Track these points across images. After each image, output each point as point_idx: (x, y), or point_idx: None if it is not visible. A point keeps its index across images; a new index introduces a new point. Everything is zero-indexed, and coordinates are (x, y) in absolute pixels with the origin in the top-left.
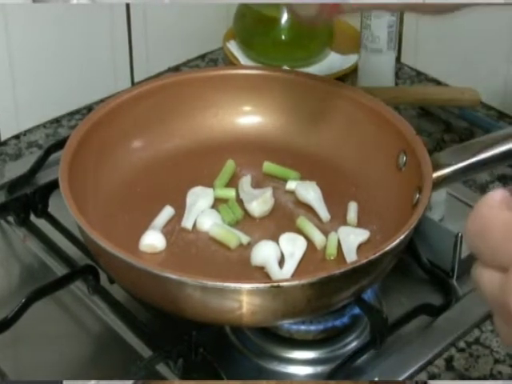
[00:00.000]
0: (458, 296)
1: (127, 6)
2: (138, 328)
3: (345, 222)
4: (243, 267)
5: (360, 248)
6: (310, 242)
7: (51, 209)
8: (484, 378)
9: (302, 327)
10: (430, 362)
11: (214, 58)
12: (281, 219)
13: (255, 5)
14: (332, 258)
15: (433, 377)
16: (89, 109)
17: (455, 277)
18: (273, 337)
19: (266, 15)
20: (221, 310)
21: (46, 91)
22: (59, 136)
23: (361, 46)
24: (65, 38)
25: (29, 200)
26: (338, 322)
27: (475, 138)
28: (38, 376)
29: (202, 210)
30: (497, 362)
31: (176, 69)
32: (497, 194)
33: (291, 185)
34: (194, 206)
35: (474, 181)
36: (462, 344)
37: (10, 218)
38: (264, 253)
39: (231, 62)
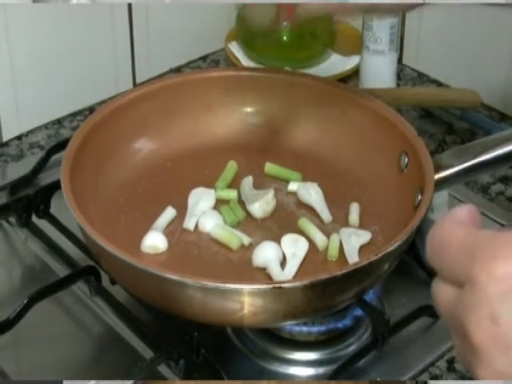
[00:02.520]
0: None
1: (129, 6)
2: (140, 329)
3: (346, 224)
4: (245, 268)
5: (362, 249)
6: (312, 243)
7: (53, 210)
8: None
9: (304, 328)
10: (431, 364)
11: (216, 59)
12: (282, 220)
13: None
14: (334, 259)
15: (435, 378)
16: (90, 110)
17: None
18: (274, 338)
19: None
20: (222, 311)
21: (47, 92)
22: (61, 137)
23: (362, 47)
24: (66, 38)
25: (30, 201)
26: (339, 324)
27: (477, 140)
28: (39, 377)
29: (203, 211)
30: None
31: (178, 70)
32: (463, 210)
33: (293, 186)
34: (196, 207)
35: (476, 182)
36: None
37: (12, 219)
38: (266, 254)
39: (233, 63)
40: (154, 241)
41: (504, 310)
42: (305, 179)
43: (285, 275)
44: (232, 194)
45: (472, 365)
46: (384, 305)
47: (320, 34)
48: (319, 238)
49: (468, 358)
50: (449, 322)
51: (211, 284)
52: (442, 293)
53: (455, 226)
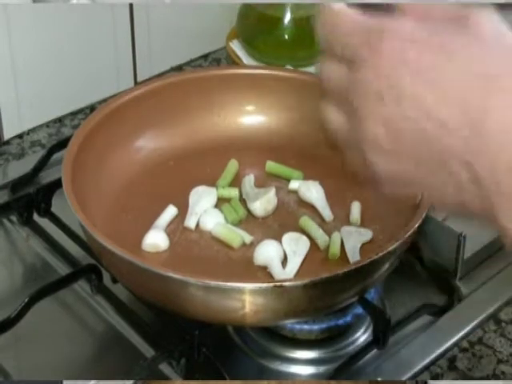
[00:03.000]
0: (460, 296)
1: (130, 5)
2: (141, 327)
3: (348, 222)
4: (246, 267)
5: (363, 248)
6: (313, 242)
7: (54, 208)
8: (487, 377)
9: (305, 327)
10: (432, 362)
11: (217, 58)
12: (284, 219)
13: (258, 5)
14: (335, 257)
15: (436, 377)
16: (91, 108)
17: (458, 277)
18: (275, 336)
19: (269, 15)
20: (223, 310)
21: (48, 91)
22: (62, 135)
23: None
24: (68, 37)
25: (32, 199)
26: (340, 322)
27: None
28: (40, 375)
29: (204, 210)
30: (500, 362)
31: (179, 68)
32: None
33: (294, 184)
34: (197, 206)
35: None
36: (464, 344)
37: (13, 218)
38: (267, 252)
39: (234, 62)
40: (156, 239)
41: (390, 84)
42: (306, 178)
43: (286, 274)
44: (233, 193)
45: (354, 140)
46: (385, 303)
47: None
48: (320, 237)
49: (351, 133)
50: (336, 98)
51: (213, 283)
52: (333, 71)
53: (349, 12)
